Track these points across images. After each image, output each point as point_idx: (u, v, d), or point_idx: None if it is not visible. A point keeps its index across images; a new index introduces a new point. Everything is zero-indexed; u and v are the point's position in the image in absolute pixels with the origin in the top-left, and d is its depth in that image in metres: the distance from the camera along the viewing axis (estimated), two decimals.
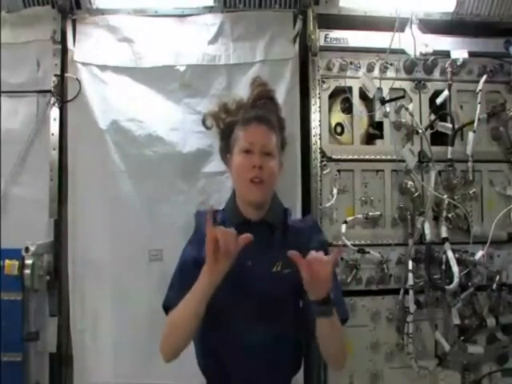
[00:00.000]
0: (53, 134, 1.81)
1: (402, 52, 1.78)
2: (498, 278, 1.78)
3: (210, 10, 1.86)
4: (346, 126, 1.87)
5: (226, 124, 1.34)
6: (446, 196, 1.79)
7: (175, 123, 1.82)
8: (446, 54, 1.84)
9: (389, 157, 1.82)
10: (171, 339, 1.16)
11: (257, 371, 1.19)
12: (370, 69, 1.84)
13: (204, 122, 1.40)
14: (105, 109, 1.79)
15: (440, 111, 1.84)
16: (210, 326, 1.15)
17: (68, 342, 1.78)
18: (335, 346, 1.17)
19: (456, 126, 1.82)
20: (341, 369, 1.28)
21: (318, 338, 1.12)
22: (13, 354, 1.64)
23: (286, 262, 1.20)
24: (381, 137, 1.85)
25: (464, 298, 1.74)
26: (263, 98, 1.34)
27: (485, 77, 1.84)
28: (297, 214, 1.75)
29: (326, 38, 1.83)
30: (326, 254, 1.29)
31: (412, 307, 1.70)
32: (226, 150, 1.34)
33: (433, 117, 1.84)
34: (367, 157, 1.83)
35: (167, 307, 1.22)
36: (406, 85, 1.86)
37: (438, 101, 1.84)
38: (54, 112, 1.81)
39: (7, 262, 1.64)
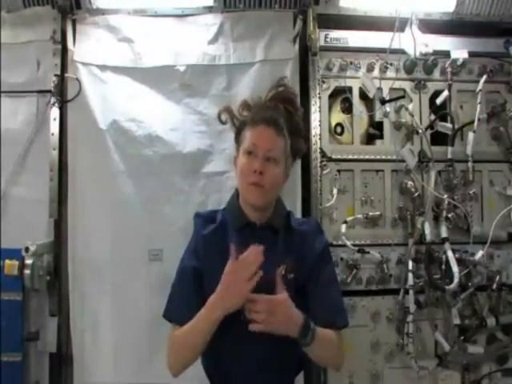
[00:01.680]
0: (53, 134, 1.81)
1: (402, 52, 1.78)
2: (498, 278, 1.77)
3: (209, 9, 1.86)
4: (346, 126, 1.87)
5: (240, 122, 1.30)
6: (446, 196, 1.79)
7: (175, 123, 1.82)
8: (446, 54, 1.84)
9: (389, 157, 1.82)
10: (180, 358, 1.18)
11: (260, 373, 1.19)
12: (370, 69, 1.84)
13: (219, 116, 1.35)
14: (105, 109, 1.79)
15: (440, 111, 1.84)
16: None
17: (68, 342, 1.78)
18: (325, 357, 1.19)
19: (456, 126, 1.82)
20: (338, 370, 1.29)
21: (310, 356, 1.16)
22: (13, 354, 1.64)
23: (290, 266, 1.20)
24: (381, 137, 1.85)
25: (464, 298, 1.74)
26: (281, 99, 1.29)
27: (485, 77, 1.84)
28: (297, 214, 1.75)
29: (326, 38, 1.83)
30: (328, 256, 1.29)
31: (412, 307, 1.69)
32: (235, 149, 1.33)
33: (433, 117, 1.84)
34: (367, 157, 1.83)
35: (168, 318, 1.22)
36: (406, 85, 1.86)
37: (438, 101, 1.84)
38: (54, 112, 1.81)
39: (7, 262, 1.64)
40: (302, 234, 1.27)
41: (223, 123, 1.35)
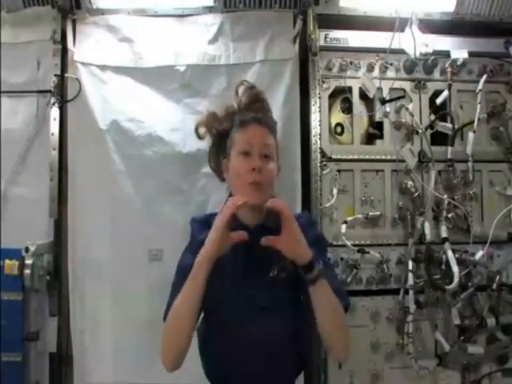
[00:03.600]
0: (53, 134, 1.81)
1: (402, 52, 1.78)
2: (498, 278, 1.77)
3: (210, 9, 1.86)
4: (346, 126, 1.87)
5: (218, 132, 1.31)
6: (445, 196, 1.79)
7: (175, 123, 1.82)
8: (446, 54, 1.84)
9: (389, 157, 1.82)
10: (173, 341, 1.13)
11: (260, 375, 1.19)
12: (370, 69, 1.84)
13: (197, 131, 1.36)
14: (105, 109, 1.79)
15: (440, 111, 1.84)
16: (212, 332, 1.14)
17: (68, 342, 1.78)
18: (333, 324, 1.13)
19: (456, 126, 1.82)
20: (344, 358, 1.24)
21: (315, 313, 1.10)
22: (13, 354, 1.64)
23: (281, 265, 1.19)
24: (381, 137, 1.85)
25: (464, 298, 1.74)
26: (257, 100, 1.32)
27: (485, 77, 1.84)
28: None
29: (325, 38, 1.83)
30: (321, 245, 1.27)
31: (412, 307, 1.70)
32: (219, 155, 1.31)
33: (433, 117, 1.84)
34: (367, 157, 1.83)
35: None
36: (406, 85, 1.86)
37: (438, 101, 1.84)
38: (54, 112, 1.81)
39: (7, 262, 1.64)
40: None
41: (201, 138, 1.35)
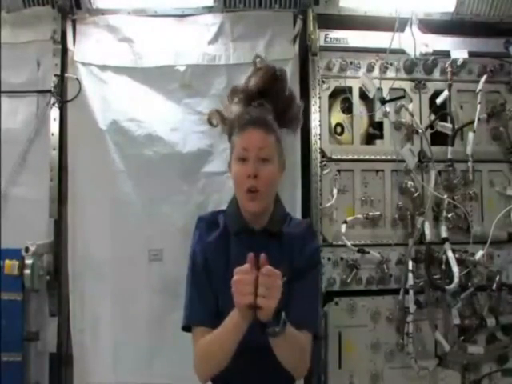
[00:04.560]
0: (53, 134, 1.81)
1: (402, 52, 1.78)
2: (498, 278, 1.78)
3: (209, 9, 1.86)
4: (346, 126, 1.87)
5: (229, 123, 1.31)
6: (445, 196, 1.79)
7: (175, 123, 1.82)
8: (446, 54, 1.84)
9: (389, 157, 1.82)
10: (215, 364, 1.14)
11: (261, 378, 1.18)
12: (370, 69, 1.84)
13: (209, 120, 1.34)
14: (105, 109, 1.79)
15: (440, 111, 1.84)
16: None
17: (68, 342, 1.78)
18: (290, 357, 1.14)
19: (456, 126, 1.82)
20: (297, 378, 1.25)
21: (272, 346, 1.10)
22: (13, 354, 1.64)
23: (281, 270, 1.19)
24: (381, 137, 1.85)
25: (464, 297, 1.74)
26: (267, 81, 1.26)
27: (485, 77, 1.85)
28: (297, 214, 1.75)
29: (326, 37, 1.83)
30: (314, 262, 1.26)
31: (412, 307, 1.70)
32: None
33: (433, 117, 1.84)
34: (367, 157, 1.83)
35: (189, 326, 1.19)
36: (406, 85, 1.86)
37: (438, 101, 1.84)
38: (54, 112, 1.81)
39: (7, 262, 1.64)
40: (292, 236, 1.24)
41: (214, 126, 1.34)
